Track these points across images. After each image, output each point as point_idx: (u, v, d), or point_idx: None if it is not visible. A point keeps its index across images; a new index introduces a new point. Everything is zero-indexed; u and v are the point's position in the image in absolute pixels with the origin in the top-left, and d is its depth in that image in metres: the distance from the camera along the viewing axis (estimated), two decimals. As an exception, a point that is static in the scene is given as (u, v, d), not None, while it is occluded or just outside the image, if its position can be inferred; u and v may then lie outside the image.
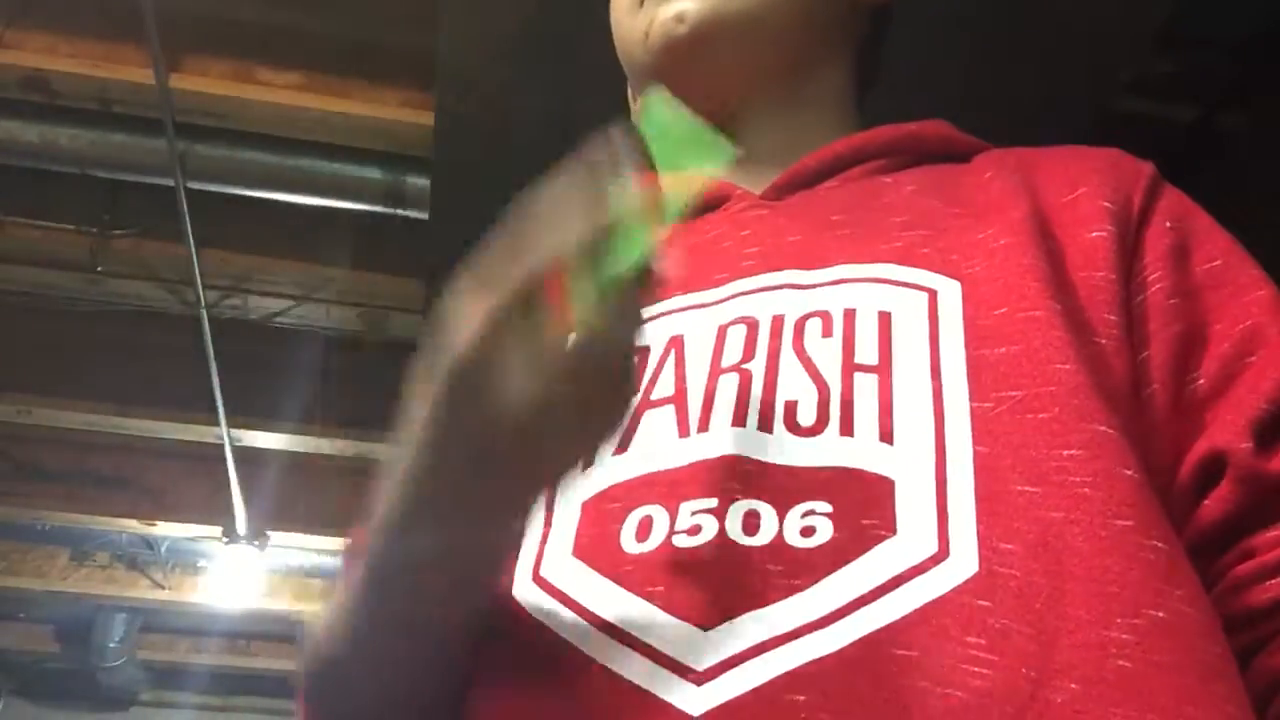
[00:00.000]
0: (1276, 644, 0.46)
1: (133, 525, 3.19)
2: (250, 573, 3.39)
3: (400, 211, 2.13)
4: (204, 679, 4.10)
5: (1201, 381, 0.50)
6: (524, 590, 0.49)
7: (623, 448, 0.51)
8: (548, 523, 0.51)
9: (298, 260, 2.54)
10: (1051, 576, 0.40)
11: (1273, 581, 0.46)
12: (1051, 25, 1.44)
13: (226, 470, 2.85)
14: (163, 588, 3.56)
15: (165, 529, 3.21)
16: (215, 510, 3.09)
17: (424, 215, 2.02)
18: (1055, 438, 0.44)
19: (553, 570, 0.48)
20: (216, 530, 3.14)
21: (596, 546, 0.48)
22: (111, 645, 3.81)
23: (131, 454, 3.07)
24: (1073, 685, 0.38)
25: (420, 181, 2.04)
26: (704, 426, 0.49)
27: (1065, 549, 0.41)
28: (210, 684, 4.13)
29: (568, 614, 0.46)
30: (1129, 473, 0.44)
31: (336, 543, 3.27)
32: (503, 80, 1.52)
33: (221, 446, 2.79)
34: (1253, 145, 1.73)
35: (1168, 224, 0.54)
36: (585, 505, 0.50)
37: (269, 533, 3.15)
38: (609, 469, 0.50)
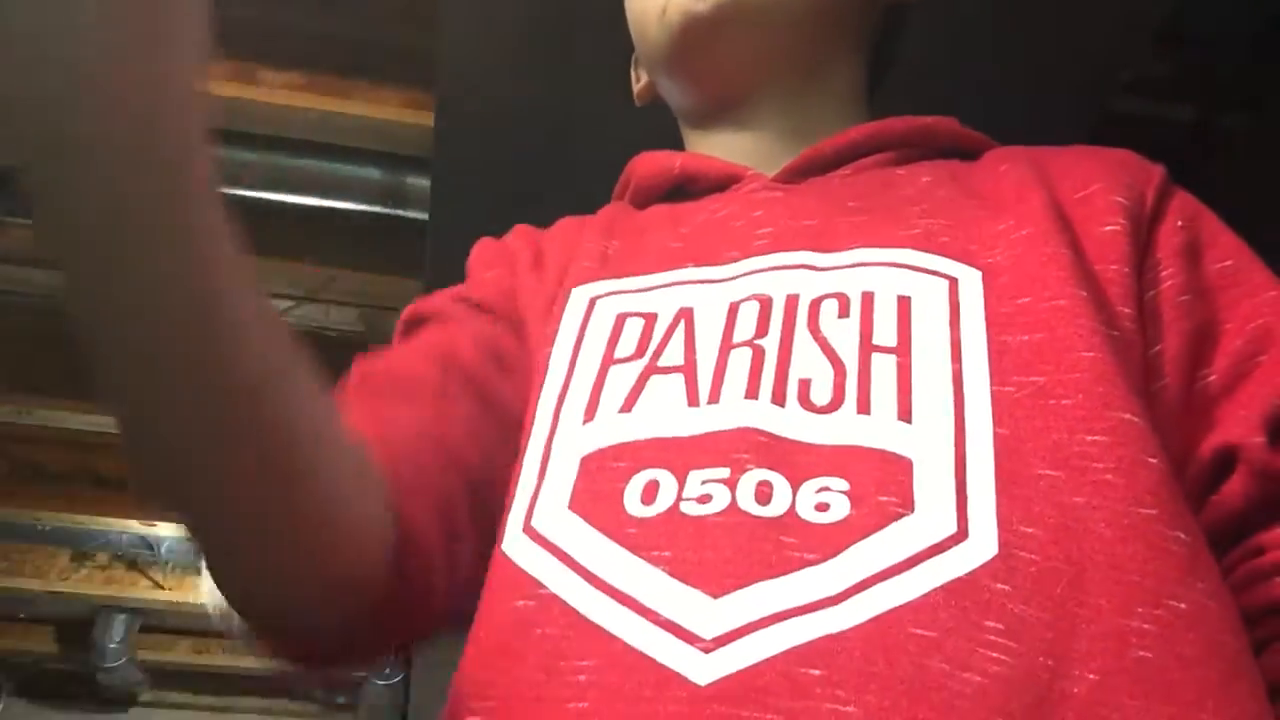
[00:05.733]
0: None
1: (133, 525, 3.19)
2: (250, 573, 3.39)
3: (400, 211, 2.13)
4: (204, 679, 4.09)
5: (1213, 378, 0.51)
6: (514, 543, 0.47)
7: (627, 408, 0.50)
8: (542, 474, 0.49)
9: (298, 260, 2.53)
10: (1072, 563, 0.40)
11: None
12: (1052, 25, 1.44)
13: (226, 470, 2.85)
14: (163, 588, 3.56)
15: (165, 529, 3.21)
16: (215, 510, 3.09)
17: (424, 215, 2.02)
18: (1078, 423, 0.44)
19: (546, 522, 0.47)
20: (216, 530, 3.13)
21: (596, 503, 0.46)
22: (111, 645, 3.80)
23: (131, 454, 3.07)
24: (1091, 676, 0.37)
25: (420, 181, 2.04)
26: (714, 398, 0.48)
27: (1086, 535, 0.41)
28: (210, 684, 4.13)
29: (563, 569, 0.45)
30: (1153, 461, 0.43)
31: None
32: (503, 80, 1.52)
33: (221, 446, 2.78)
34: (1253, 145, 1.73)
35: (1179, 223, 0.55)
36: (584, 460, 0.48)
37: (269, 533, 3.14)
38: (611, 426, 0.49)
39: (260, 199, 2.18)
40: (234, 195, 2.17)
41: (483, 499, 0.53)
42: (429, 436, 0.53)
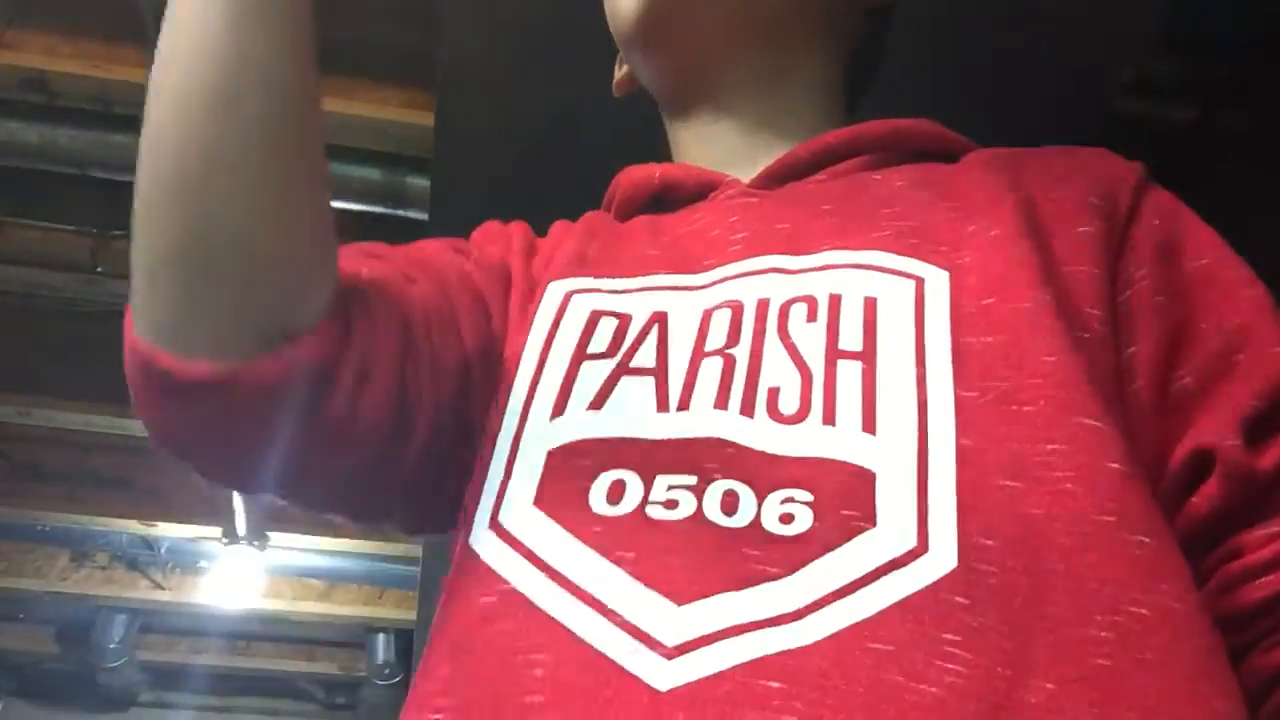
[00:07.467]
0: (1269, 642, 0.46)
1: (133, 525, 3.20)
2: (250, 573, 3.39)
3: (400, 211, 2.13)
4: (204, 679, 4.10)
5: (1188, 379, 0.50)
6: (481, 539, 0.48)
7: (597, 405, 0.50)
8: (509, 469, 0.50)
9: (298, 260, 2.53)
10: (1031, 575, 0.40)
11: (1263, 580, 0.46)
12: (1052, 25, 1.44)
13: (226, 470, 2.85)
14: (163, 588, 3.56)
15: (165, 529, 3.21)
16: (215, 510, 3.09)
17: (424, 215, 2.02)
18: (1039, 431, 0.44)
19: (512, 519, 0.47)
20: (216, 530, 3.14)
21: (561, 500, 0.47)
22: (111, 646, 3.81)
23: (131, 454, 3.07)
24: (1049, 685, 0.38)
25: (420, 181, 2.04)
26: (684, 405, 0.49)
27: (1046, 546, 0.41)
28: (210, 684, 4.13)
29: (527, 566, 0.45)
30: (1114, 466, 0.44)
31: (336, 543, 3.28)
32: (503, 80, 1.52)
33: (221, 446, 2.78)
34: (1253, 145, 1.73)
35: (1155, 222, 0.54)
36: (551, 454, 0.49)
37: (269, 533, 3.15)
38: (580, 422, 0.50)
39: (260, 199, 2.19)
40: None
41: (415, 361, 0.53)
42: (390, 286, 0.55)
